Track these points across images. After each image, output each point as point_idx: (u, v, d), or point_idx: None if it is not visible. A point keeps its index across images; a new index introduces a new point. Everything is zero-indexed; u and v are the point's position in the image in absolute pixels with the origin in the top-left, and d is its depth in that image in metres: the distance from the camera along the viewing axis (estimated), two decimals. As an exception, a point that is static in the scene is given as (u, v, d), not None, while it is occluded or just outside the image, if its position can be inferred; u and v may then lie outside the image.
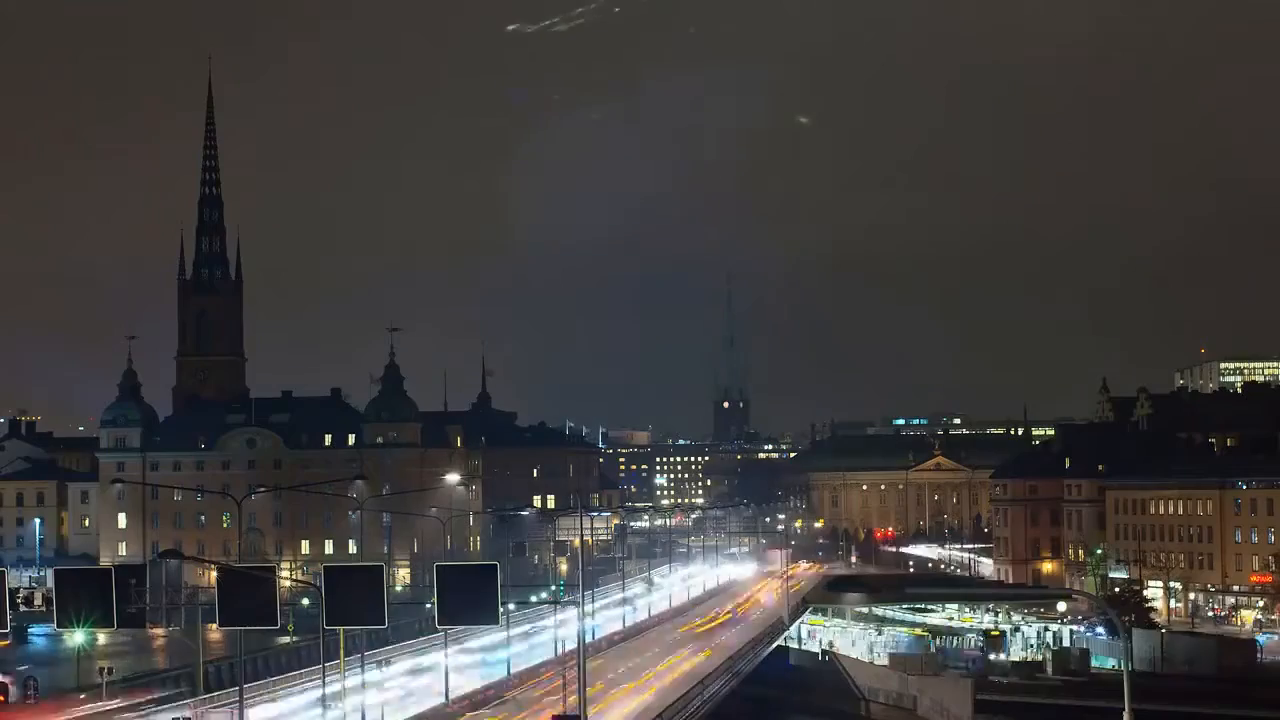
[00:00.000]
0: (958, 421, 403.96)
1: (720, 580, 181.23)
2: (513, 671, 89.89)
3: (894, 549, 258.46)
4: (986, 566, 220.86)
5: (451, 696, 78.76)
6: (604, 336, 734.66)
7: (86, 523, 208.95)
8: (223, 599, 54.11)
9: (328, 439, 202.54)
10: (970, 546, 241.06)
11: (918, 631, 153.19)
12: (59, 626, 55.98)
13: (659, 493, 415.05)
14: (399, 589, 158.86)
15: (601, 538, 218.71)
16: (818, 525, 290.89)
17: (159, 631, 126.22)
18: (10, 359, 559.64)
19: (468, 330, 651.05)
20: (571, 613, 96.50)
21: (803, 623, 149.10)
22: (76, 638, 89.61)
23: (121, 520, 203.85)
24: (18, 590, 62.14)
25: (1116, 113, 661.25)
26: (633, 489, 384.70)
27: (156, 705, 77.64)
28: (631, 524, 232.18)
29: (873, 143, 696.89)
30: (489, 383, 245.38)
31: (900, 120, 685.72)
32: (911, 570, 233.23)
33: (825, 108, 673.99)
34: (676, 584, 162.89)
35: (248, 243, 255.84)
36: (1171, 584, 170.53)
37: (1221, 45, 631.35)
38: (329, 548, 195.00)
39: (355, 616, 55.23)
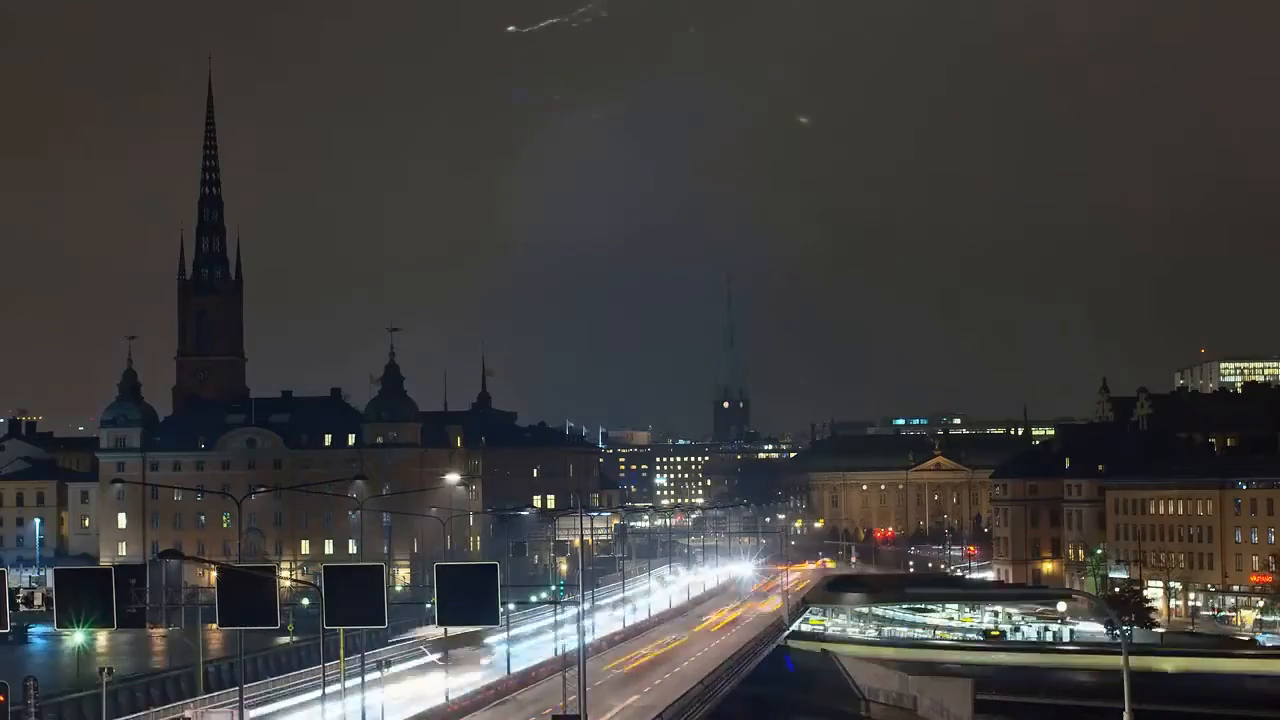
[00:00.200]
0: (958, 421, 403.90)
1: (720, 580, 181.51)
2: (512, 671, 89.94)
3: (894, 549, 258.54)
4: (987, 566, 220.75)
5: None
6: (604, 336, 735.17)
7: (86, 523, 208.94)
8: (223, 599, 54.07)
9: (328, 439, 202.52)
10: (971, 547, 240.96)
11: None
12: (59, 626, 55.85)
13: (659, 493, 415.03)
14: (399, 589, 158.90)
15: (601, 538, 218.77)
16: (818, 525, 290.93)
17: (159, 631, 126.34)
18: (10, 359, 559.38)
19: (468, 330, 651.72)
20: (569, 612, 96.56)
21: (803, 622, 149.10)
22: (76, 638, 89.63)
23: (121, 520, 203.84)
24: (18, 590, 61.90)
25: (1116, 113, 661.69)
26: (633, 489, 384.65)
27: None
28: (631, 524, 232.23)
29: (873, 142, 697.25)
30: (489, 383, 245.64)
31: (900, 120, 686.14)
32: (911, 570, 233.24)
33: (825, 108, 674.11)
34: (675, 588, 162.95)
35: (248, 243, 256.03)
36: (1171, 584, 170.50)
37: (1221, 45, 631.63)
38: (329, 548, 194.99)
39: (355, 616, 55.19)
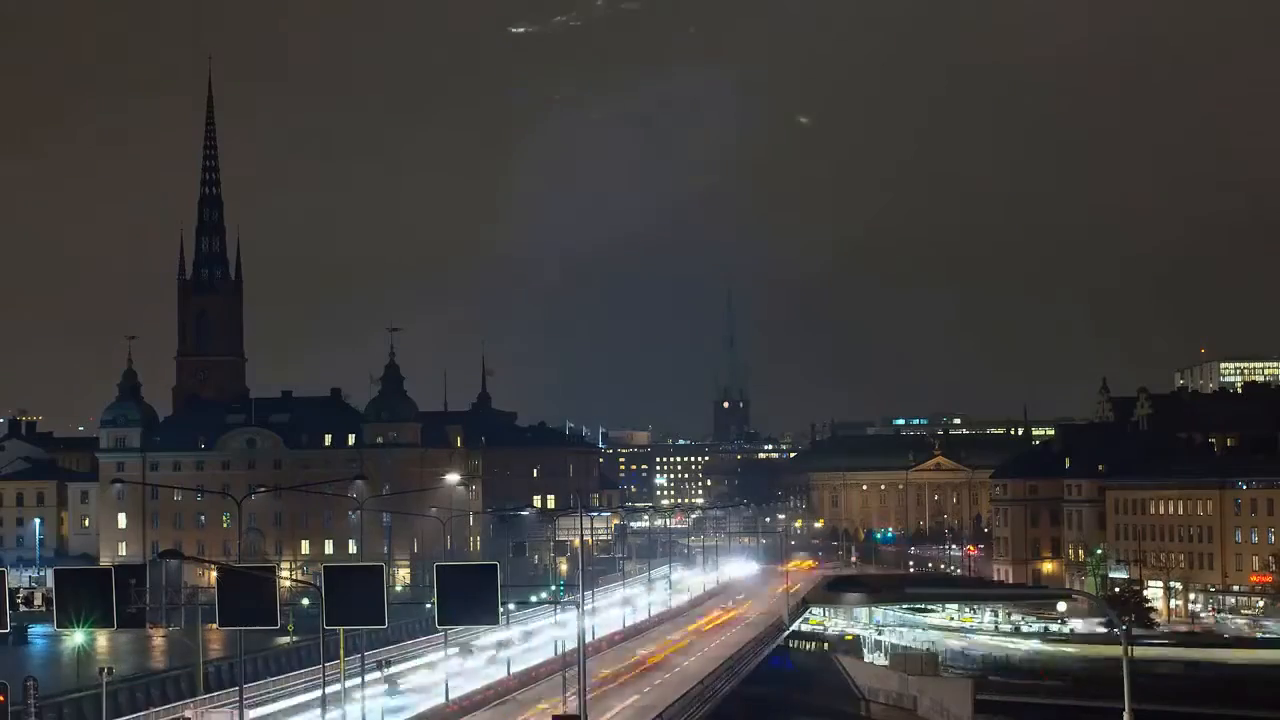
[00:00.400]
0: (958, 421, 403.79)
1: (720, 580, 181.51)
2: (512, 671, 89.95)
3: (894, 549, 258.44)
4: (987, 566, 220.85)
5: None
6: (604, 336, 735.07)
7: (86, 523, 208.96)
8: (223, 599, 54.05)
9: (328, 439, 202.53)
10: (971, 547, 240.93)
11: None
12: (59, 627, 55.79)
13: (659, 493, 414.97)
14: (399, 589, 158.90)
15: (601, 538, 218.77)
16: (818, 525, 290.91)
17: (159, 631, 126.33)
18: (10, 359, 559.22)
19: (468, 330, 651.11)
20: (569, 612, 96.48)
21: (803, 622, 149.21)
22: (76, 638, 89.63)
23: (121, 520, 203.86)
24: (17, 590, 61.89)
25: (1116, 113, 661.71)
26: (633, 489, 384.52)
27: None
28: (631, 524, 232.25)
29: (873, 143, 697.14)
30: (489, 383, 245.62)
31: (900, 120, 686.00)
32: (911, 570, 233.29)
33: (825, 108, 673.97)
34: (675, 588, 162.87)
35: (248, 243, 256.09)
36: (1171, 584, 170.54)
37: (1221, 46, 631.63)
38: (329, 548, 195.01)
39: (355, 616, 55.18)
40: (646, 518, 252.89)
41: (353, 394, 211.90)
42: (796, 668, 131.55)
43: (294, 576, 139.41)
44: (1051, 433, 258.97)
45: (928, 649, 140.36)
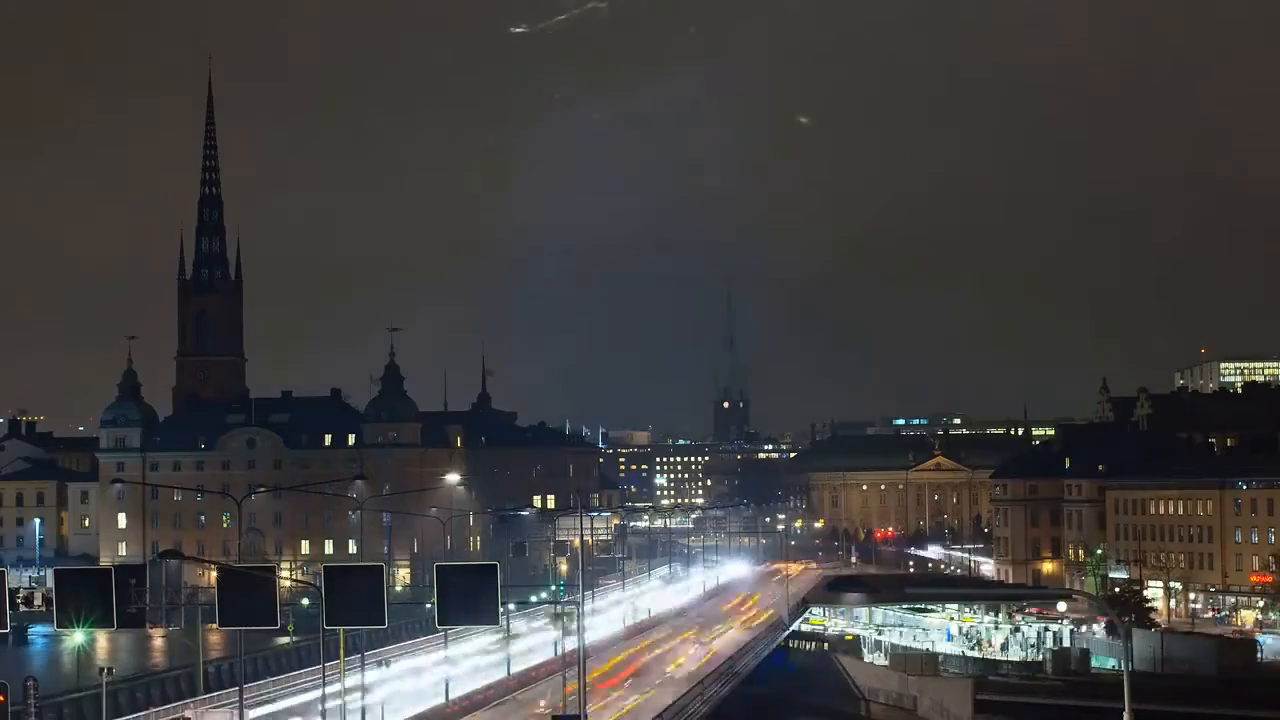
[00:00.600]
0: (958, 421, 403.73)
1: (721, 580, 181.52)
2: (512, 671, 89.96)
3: (893, 549, 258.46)
4: (987, 566, 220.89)
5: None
6: (604, 336, 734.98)
7: (86, 523, 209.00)
8: (223, 599, 54.05)
9: (328, 439, 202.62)
10: (970, 547, 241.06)
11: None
12: (59, 627, 55.78)
13: (659, 493, 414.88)
14: (399, 589, 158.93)
15: (601, 538, 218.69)
16: (818, 525, 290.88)
17: (159, 631, 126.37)
18: (10, 359, 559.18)
19: (468, 330, 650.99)
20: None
21: (803, 622, 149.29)
22: (76, 638, 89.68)
23: (121, 520, 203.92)
24: (17, 590, 61.88)
25: (1116, 113, 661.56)
26: (633, 489, 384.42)
27: None
28: (631, 524, 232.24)
29: (872, 142, 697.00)
30: (489, 383, 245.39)
31: (900, 120, 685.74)
32: (912, 570, 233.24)
33: (825, 108, 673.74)
34: (675, 588, 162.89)
35: (248, 243, 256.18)
36: (1171, 584, 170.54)
37: (1222, 45, 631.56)
38: (329, 548, 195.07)
39: (355, 616, 55.20)
40: (646, 518, 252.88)
41: (353, 394, 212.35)
42: (796, 668, 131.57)
43: (294, 576, 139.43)
44: (1051, 433, 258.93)
45: (927, 649, 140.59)
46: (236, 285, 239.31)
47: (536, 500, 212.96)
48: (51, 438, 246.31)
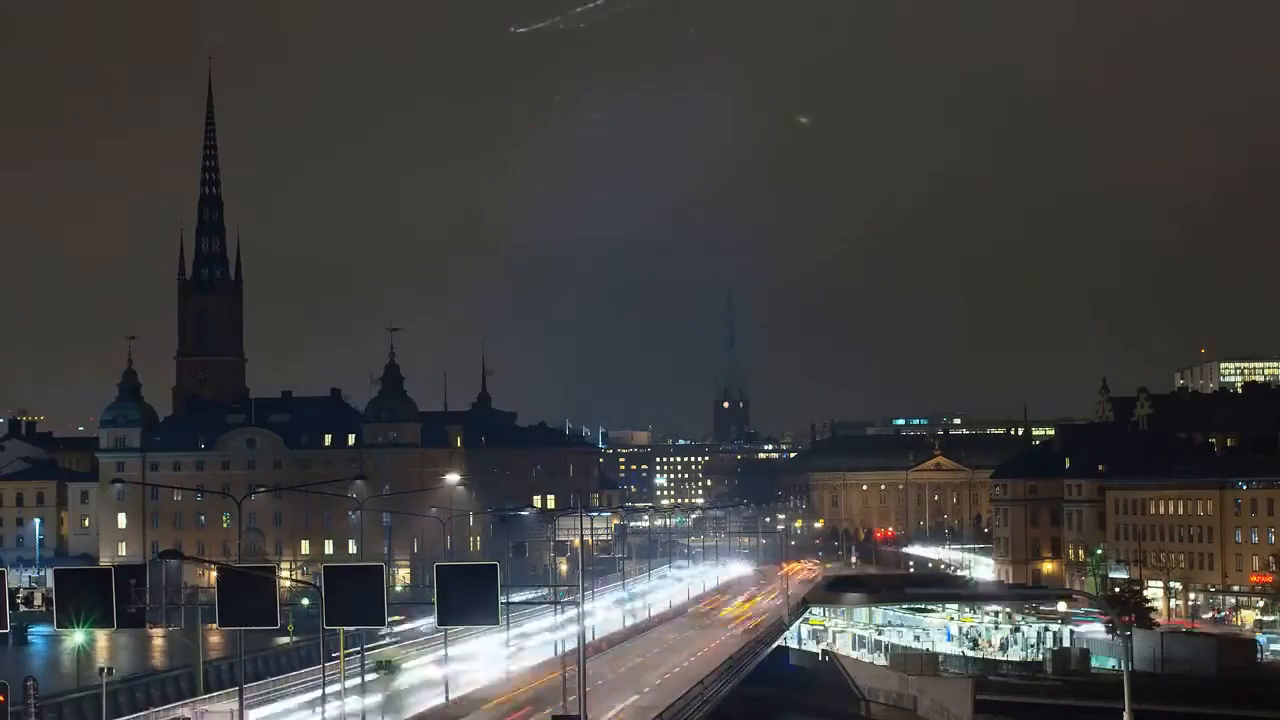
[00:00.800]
0: (958, 421, 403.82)
1: (721, 580, 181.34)
2: (512, 671, 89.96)
3: (893, 549, 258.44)
4: (987, 566, 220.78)
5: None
6: (604, 336, 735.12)
7: (86, 523, 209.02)
8: (223, 599, 54.10)
9: (328, 439, 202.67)
10: (970, 547, 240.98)
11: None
12: (59, 627, 55.87)
13: (659, 493, 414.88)
14: (399, 589, 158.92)
15: (601, 538, 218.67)
16: (818, 525, 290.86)
17: (159, 631, 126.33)
18: (10, 359, 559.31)
19: (468, 330, 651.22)
20: (569, 611, 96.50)
21: (803, 622, 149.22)
22: (76, 638, 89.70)
23: (121, 520, 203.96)
24: (17, 590, 61.92)
25: (1117, 113, 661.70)
26: (633, 489, 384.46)
27: None
28: (631, 524, 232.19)
29: (873, 143, 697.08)
30: (489, 383, 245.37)
31: (900, 120, 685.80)
32: (912, 570, 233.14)
33: (825, 108, 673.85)
34: (675, 589, 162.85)
35: (248, 243, 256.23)
36: (1171, 584, 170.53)
37: (1222, 46, 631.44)
38: (329, 548, 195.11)
39: (355, 616, 55.25)
40: (646, 518, 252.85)
41: (353, 394, 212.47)
42: (796, 668, 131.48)
43: (294, 576, 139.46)
44: (1051, 433, 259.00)
45: (928, 649, 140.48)
46: (236, 285, 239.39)
47: (536, 500, 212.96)
48: (51, 438, 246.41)
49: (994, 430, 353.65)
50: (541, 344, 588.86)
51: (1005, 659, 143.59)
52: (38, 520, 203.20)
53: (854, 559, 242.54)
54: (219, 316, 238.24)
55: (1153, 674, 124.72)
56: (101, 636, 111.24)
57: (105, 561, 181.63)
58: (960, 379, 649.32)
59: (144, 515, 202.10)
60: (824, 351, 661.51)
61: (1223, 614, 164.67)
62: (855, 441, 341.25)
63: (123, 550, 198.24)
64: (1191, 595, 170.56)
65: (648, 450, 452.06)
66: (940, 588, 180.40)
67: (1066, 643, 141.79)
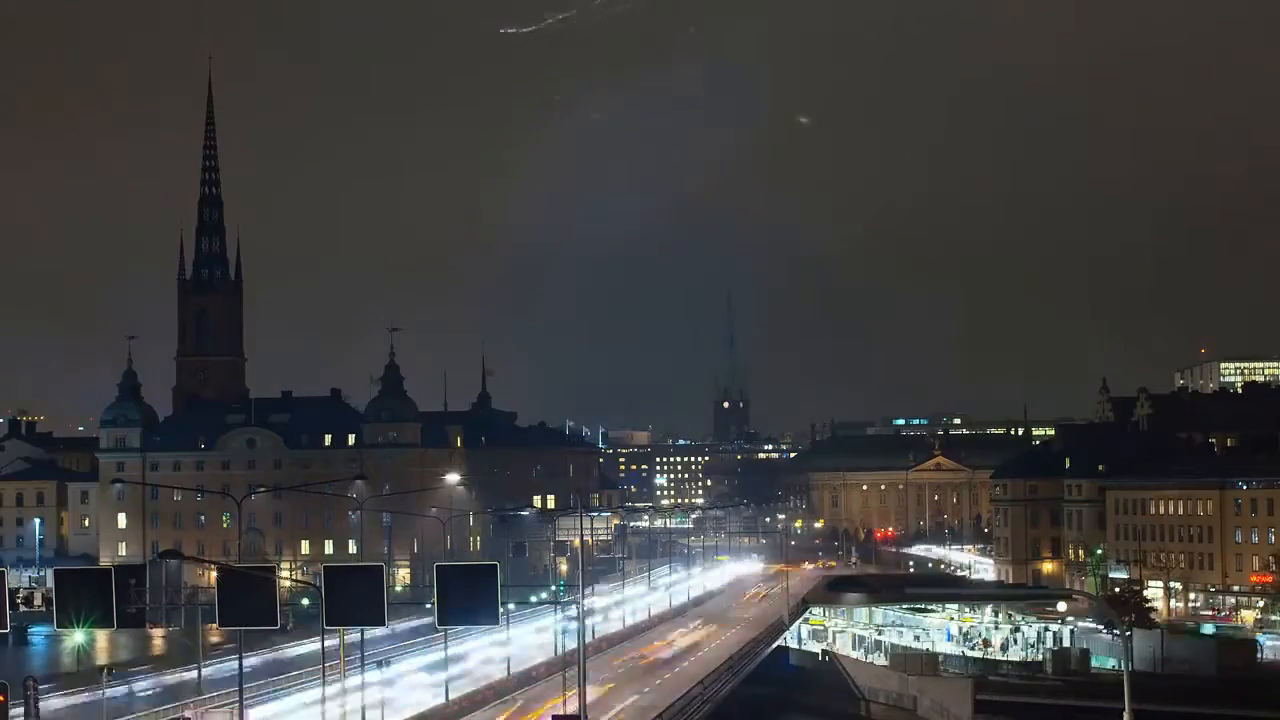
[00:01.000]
0: (958, 421, 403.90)
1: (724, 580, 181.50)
2: (512, 672, 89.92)
3: (893, 549, 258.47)
4: (987, 566, 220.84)
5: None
6: (604, 336, 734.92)
7: (86, 523, 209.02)
8: (223, 599, 54.07)
9: (328, 439, 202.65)
10: (971, 547, 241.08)
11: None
12: (59, 627, 55.83)
13: (659, 493, 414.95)
14: (399, 589, 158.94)
15: (601, 538, 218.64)
16: (818, 525, 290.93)
17: (159, 631, 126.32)
18: (11, 359, 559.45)
19: (468, 330, 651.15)
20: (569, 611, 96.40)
21: (803, 622, 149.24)
22: (76, 638, 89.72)
23: (121, 520, 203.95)
24: (17, 590, 61.95)
25: (1117, 113, 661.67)
26: (633, 489, 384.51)
27: None
28: (631, 524, 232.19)
29: (872, 143, 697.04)
30: (489, 383, 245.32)
31: (900, 120, 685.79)
32: (912, 570, 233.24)
33: (825, 108, 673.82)
34: (675, 589, 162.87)
35: (248, 243, 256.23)
36: (1171, 584, 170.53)
37: (1222, 46, 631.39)
38: (329, 548, 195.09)
39: (355, 616, 55.24)
40: (646, 518, 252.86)
41: (353, 394, 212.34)
42: (796, 668, 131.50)
43: (294, 576, 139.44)
44: (1051, 433, 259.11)
45: (928, 649, 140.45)
46: (236, 285, 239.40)
47: (536, 500, 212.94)
48: (51, 438, 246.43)
49: (994, 430, 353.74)
50: (542, 344, 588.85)
51: (1005, 659, 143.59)
52: (38, 520, 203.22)
53: (854, 559, 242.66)
54: (219, 316, 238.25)
55: (1153, 674, 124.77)
56: (101, 636, 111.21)
57: (105, 561, 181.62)
58: (960, 379, 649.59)
59: (144, 515, 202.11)
60: (824, 351, 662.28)
61: (1223, 614, 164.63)
62: (855, 441, 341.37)
63: (123, 550, 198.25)
64: (1191, 595, 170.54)
65: (648, 450, 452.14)
66: (940, 588, 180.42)
67: (1066, 643, 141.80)
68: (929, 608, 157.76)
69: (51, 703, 77.04)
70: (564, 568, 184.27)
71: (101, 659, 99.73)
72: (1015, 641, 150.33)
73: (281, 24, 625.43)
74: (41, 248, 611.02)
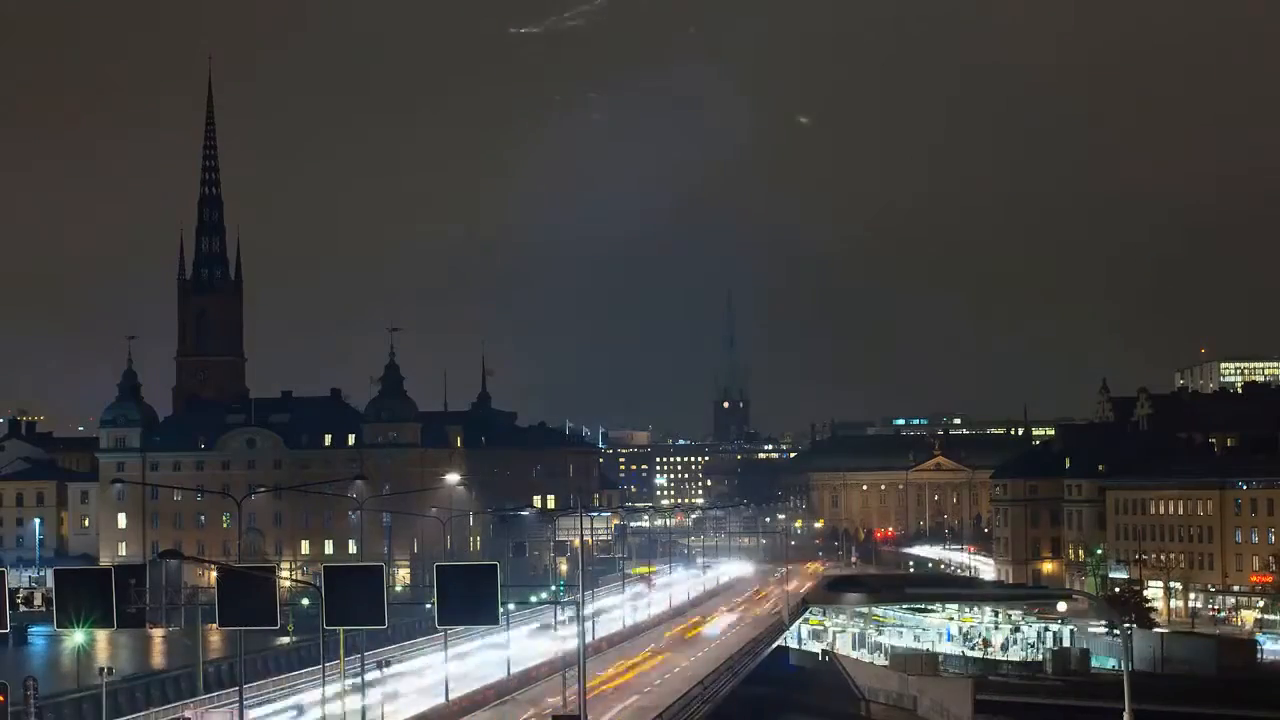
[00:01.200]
0: (958, 421, 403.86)
1: (721, 580, 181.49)
2: (512, 672, 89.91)
3: (893, 549, 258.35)
4: (987, 566, 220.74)
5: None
6: (604, 336, 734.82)
7: (86, 523, 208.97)
8: (223, 599, 54.04)
9: (328, 439, 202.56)
10: (971, 548, 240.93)
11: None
12: (59, 627, 55.82)
13: (659, 493, 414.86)
14: (399, 589, 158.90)
15: (601, 538, 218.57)
16: (818, 525, 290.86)
17: (159, 631, 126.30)
18: (10, 359, 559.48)
19: (468, 330, 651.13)
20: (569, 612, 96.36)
21: (803, 622, 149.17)
22: (76, 638, 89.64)
23: (121, 520, 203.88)
24: (17, 590, 61.87)
25: (1117, 113, 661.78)
26: (633, 489, 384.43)
27: None
28: (631, 524, 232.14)
29: (872, 143, 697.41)
30: (489, 383, 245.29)
31: (900, 120, 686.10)
32: (912, 570, 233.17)
33: (825, 108, 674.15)
34: (675, 589, 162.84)
35: (248, 243, 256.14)
36: (1171, 584, 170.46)
37: (1222, 46, 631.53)
38: (329, 548, 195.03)
39: (355, 616, 55.18)
40: (646, 518, 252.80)
41: (353, 394, 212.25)
42: (796, 668, 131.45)
43: (294, 576, 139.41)
44: (1051, 433, 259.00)
45: (928, 649, 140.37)
46: (236, 285, 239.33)
47: (536, 500, 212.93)
48: (51, 438, 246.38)
49: (994, 430, 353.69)
50: (542, 344, 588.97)
51: (1005, 659, 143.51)
52: (38, 520, 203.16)
53: (854, 559, 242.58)
54: (219, 316, 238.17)
55: (1153, 674, 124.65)
56: (101, 636, 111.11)
57: (105, 561, 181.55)
58: (960, 379, 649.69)
59: (144, 515, 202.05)
60: (824, 351, 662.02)
61: (1223, 614, 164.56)
62: (855, 441, 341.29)
63: (123, 550, 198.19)
64: (1191, 595, 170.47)
65: (648, 450, 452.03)
66: (940, 588, 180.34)
67: (1066, 643, 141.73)
68: (929, 608, 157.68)
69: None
70: (564, 568, 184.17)
71: (101, 659, 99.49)
72: (1015, 641, 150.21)
73: (281, 24, 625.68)
74: (41, 248, 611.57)
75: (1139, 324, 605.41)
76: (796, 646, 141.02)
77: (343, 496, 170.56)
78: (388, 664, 78.37)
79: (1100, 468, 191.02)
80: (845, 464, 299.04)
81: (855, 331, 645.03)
